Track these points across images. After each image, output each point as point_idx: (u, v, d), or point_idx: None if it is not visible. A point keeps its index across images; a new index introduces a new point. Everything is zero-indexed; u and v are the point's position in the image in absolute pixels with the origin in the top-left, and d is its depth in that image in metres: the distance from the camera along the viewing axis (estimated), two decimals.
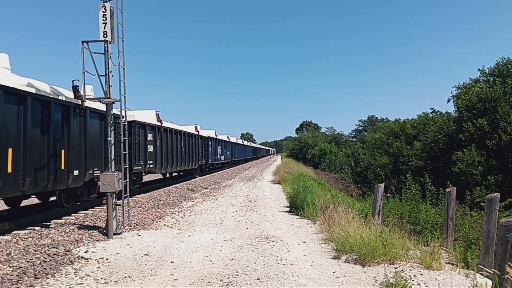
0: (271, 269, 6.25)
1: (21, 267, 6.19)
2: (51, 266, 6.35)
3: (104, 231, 8.91)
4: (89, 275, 5.95)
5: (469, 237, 9.45)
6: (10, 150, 8.23)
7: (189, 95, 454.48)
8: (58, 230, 8.85)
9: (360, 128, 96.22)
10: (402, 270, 6.10)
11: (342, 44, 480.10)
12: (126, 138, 9.64)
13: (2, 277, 5.70)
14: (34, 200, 14.56)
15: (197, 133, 27.16)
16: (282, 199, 16.12)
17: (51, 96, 9.80)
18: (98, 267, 6.38)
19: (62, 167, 10.19)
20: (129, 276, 5.91)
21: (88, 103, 11.30)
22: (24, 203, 12.58)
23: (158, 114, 18.72)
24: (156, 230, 9.63)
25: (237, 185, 23.03)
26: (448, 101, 27.48)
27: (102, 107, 11.43)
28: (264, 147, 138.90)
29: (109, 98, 8.96)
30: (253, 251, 7.43)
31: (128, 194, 9.62)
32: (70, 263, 6.62)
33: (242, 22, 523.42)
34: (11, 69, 9.17)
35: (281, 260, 6.79)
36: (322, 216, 9.69)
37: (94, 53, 8.82)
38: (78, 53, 8.71)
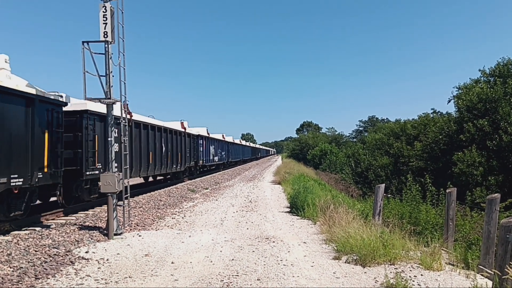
0: (271, 269, 6.25)
1: (22, 267, 6.20)
2: (51, 267, 6.35)
3: (105, 231, 8.92)
4: (89, 276, 5.95)
5: (470, 237, 9.45)
6: None
7: (188, 95, 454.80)
8: (58, 231, 8.86)
9: (360, 128, 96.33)
10: (402, 270, 6.10)
11: (342, 44, 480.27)
12: (127, 138, 9.64)
13: (2, 278, 5.71)
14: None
15: (183, 130, 23.02)
16: (283, 199, 16.12)
17: None
18: (98, 268, 6.39)
19: None
20: (129, 277, 5.92)
21: None
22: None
23: (127, 104, 14.70)
24: (156, 230, 9.63)
25: (237, 185, 23.03)
26: (449, 101, 27.49)
27: (22, 86, 8.86)
28: (264, 147, 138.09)
29: (109, 98, 8.97)
30: (253, 251, 7.43)
31: (128, 194, 9.63)
32: (70, 263, 6.62)
33: (242, 22, 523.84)
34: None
35: (281, 260, 6.79)
36: (323, 217, 9.69)
37: (95, 53, 8.83)
38: (79, 53, 8.70)
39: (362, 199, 19.64)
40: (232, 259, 6.85)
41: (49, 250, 7.24)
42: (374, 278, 5.79)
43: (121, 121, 9.44)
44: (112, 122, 9.28)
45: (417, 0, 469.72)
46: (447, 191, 8.10)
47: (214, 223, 10.50)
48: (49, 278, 5.85)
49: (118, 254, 7.29)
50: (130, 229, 9.62)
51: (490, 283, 5.47)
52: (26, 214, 9.48)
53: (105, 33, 8.68)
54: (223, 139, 39.40)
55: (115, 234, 8.74)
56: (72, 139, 11.48)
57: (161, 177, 22.86)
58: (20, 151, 8.73)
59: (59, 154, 10.34)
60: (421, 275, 5.93)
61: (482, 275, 5.94)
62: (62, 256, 6.96)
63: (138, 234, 9.14)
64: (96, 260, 6.82)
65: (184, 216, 11.83)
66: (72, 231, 8.93)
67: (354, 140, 79.82)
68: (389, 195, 13.83)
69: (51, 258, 6.78)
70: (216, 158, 34.48)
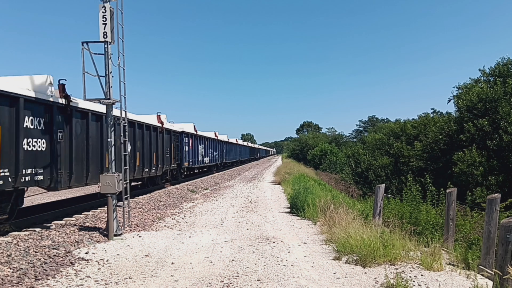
0: (271, 270, 6.24)
1: (22, 268, 6.19)
2: (51, 268, 6.34)
3: (105, 232, 8.91)
4: (89, 277, 5.94)
5: (470, 237, 9.44)
6: None
7: (188, 95, 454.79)
8: (58, 231, 8.84)
9: (360, 128, 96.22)
10: (402, 271, 6.09)
11: (342, 44, 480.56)
12: (127, 139, 9.63)
13: (2, 279, 5.70)
14: (34, 201, 14.58)
15: (160, 125, 18.21)
16: (283, 200, 16.12)
17: None
18: (98, 268, 6.38)
19: None
20: (129, 277, 5.91)
21: None
22: (24, 204, 12.56)
23: (63, 84, 10.24)
24: (156, 231, 9.63)
25: (237, 185, 23.02)
26: (449, 101, 27.53)
27: None
28: (263, 147, 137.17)
29: (109, 99, 8.96)
30: (253, 252, 7.42)
31: (128, 195, 9.62)
32: (70, 264, 6.61)
33: (241, 22, 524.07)
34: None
35: (281, 261, 6.79)
36: (323, 217, 9.68)
37: (94, 54, 8.82)
38: (78, 53, 8.63)
39: (362, 199, 19.63)
40: (232, 260, 6.84)
41: (49, 251, 7.23)
42: (375, 278, 5.78)
43: (121, 121, 9.41)
44: (112, 122, 9.25)
45: (418, 0, 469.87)
46: (447, 191, 8.09)
47: (214, 224, 10.49)
48: (49, 279, 5.84)
49: (118, 255, 7.29)
50: (130, 230, 9.61)
51: (490, 283, 5.47)
52: None
53: (105, 33, 8.67)
54: (216, 138, 35.06)
55: (115, 235, 8.73)
56: None
57: (134, 183, 17.72)
58: None
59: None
60: (422, 275, 5.92)
61: (482, 275, 5.93)
62: (62, 257, 6.95)
63: (138, 234, 9.13)
64: (96, 261, 6.82)
65: (184, 216, 11.82)
66: (72, 232, 8.92)
67: (354, 140, 79.83)
68: (389, 195, 13.81)
69: (51, 259, 6.77)
70: (206, 159, 30.16)
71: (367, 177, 31.31)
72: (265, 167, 49.46)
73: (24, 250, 7.15)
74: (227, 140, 42.63)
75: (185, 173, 25.13)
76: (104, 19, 8.65)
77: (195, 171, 28.63)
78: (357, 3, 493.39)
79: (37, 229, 9.06)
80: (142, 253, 7.40)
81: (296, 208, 12.17)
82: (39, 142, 9.16)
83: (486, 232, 6.16)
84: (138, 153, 15.16)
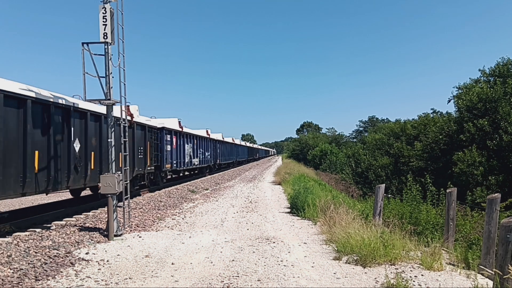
0: (271, 270, 6.25)
1: (22, 269, 6.19)
2: (51, 268, 6.35)
3: (105, 232, 8.91)
4: (89, 277, 5.94)
5: (470, 237, 9.43)
6: None
7: (188, 95, 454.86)
8: (58, 232, 8.85)
9: (360, 128, 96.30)
10: (403, 271, 6.09)
11: (342, 44, 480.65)
12: (127, 139, 9.63)
13: (2, 279, 5.70)
14: (34, 202, 14.59)
15: (129, 118, 13.22)
16: (283, 200, 16.12)
17: None
18: (98, 269, 6.38)
19: None
20: (129, 278, 5.91)
21: None
22: (25, 204, 12.59)
23: None
24: (156, 231, 9.63)
25: (237, 186, 23.03)
26: (449, 101, 27.57)
27: None
28: (263, 147, 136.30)
29: (109, 99, 8.96)
30: (253, 252, 7.43)
31: (128, 195, 9.62)
32: (70, 264, 6.62)
33: (241, 22, 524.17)
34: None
35: (281, 261, 6.79)
36: (323, 217, 9.68)
37: (95, 54, 8.83)
38: (79, 53, 8.62)
39: (362, 199, 19.61)
40: (233, 260, 6.84)
41: (49, 252, 7.23)
42: (375, 278, 5.78)
43: (121, 122, 9.42)
44: (112, 123, 9.24)
45: (418, 0, 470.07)
46: (448, 191, 8.10)
47: (214, 224, 10.49)
48: (49, 280, 5.84)
49: (118, 255, 7.29)
50: (130, 230, 9.62)
51: (490, 283, 5.47)
52: None
53: (105, 34, 8.68)
54: (208, 136, 31.22)
55: (115, 235, 8.73)
56: None
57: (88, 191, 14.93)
58: None
59: None
60: (422, 275, 5.92)
61: (482, 275, 5.94)
62: (62, 258, 6.95)
63: (138, 235, 9.14)
64: (96, 261, 6.82)
65: (185, 217, 11.82)
66: (72, 232, 8.92)
67: (354, 140, 79.86)
68: (389, 195, 13.80)
69: (51, 260, 6.78)
70: (195, 161, 26.26)
71: (367, 177, 31.33)
72: (265, 168, 49.47)
73: (24, 251, 7.15)
74: (222, 139, 38.44)
75: (169, 176, 21.68)
76: (104, 20, 8.65)
77: (181, 174, 25.03)
78: (357, 3, 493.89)
79: (37, 230, 9.07)
80: (143, 253, 7.40)
81: (296, 208, 12.18)
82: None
83: (486, 232, 6.16)
84: (92, 153, 11.60)
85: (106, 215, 9.30)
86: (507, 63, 24.00)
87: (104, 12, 8.64)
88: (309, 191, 13.54)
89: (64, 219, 10.70)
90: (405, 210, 10.83)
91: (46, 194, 10.84)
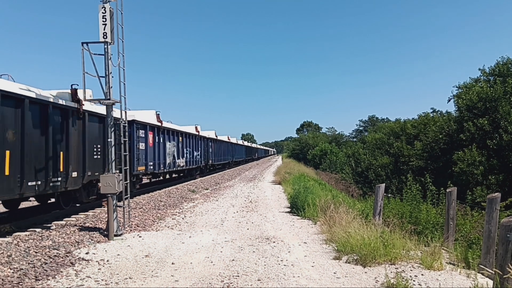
0: (272, 270, 6.25)
1: (22, 269, 6.19)
2: (51, 268, 6.35)
3: (105, 232, 8.91)
4: (89, 277, 5.94)
5: (470, 237, 9.42)
6: None
7: (188, 95, 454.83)
8: (59, 232, 8.85)
9: (360, 128, 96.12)
10: (403, 270, 6.09)
11: (342, 44, 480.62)
12: (126, 139, 9.63)
13: (3, 279, 5.71)
14: (35, 202, 14.57)
15: (75, 105, 10.80)
16: (283, 199, 16.12)
17: None
18: (98, 269, 6.38)
19: None
20: (130, 278, 5.91)
21: None
22: (25, 204, 12.57)
23: None
24: (156, 231, 9.63)
25: (237, 185, 23.03)
26: (449, 100, 27.57)
27: None
28: (263, 147, 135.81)
29: (109, 99, 8.96)
30: (254, 252, 7.43)
31: (128, 195, 9.62)
32: (70, 264, 6.62)
33: (241, 22, 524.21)
34: None
35: (282, 261, 6.79)
36: (323, 217, 9.68)
37: (94, 54, 8.83)
38: (78, 53, 8.61)
39: (362, 198, 19.60)
40: (233, 260, 6.84)
41: (49, 251, 7.23)
42: (375, 278, 5.78)
43: (120, 122, 9.41)
44: (111, 123, 9.24)
45: (417, 0, 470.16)
46: (448, 190, 8.09)
47: (214, 224, 10.49)
48: (49, 280, 5.84)
49: (118, 255, 7.29)
50: (130, 230, 9.62)
51: (490, 282, 5.46)
52: None
53: (105, 34, 8.68)
54: (197, 133, 26.99)
55: (115, 235, 8.73)
56: None
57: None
58: None
59: None
60: (422, 274, 5.92)
61: (482, 274, 5.93)
62: (62, 257, 6.95)
63: (138, 235, 9.14)
64: (97, 261, 6.82)
65: (185, 216, 11.82)
66: (72, 232, 8.92)
67: (354, 139, 79.78)
68: (389, 195, 13.79)
69: (51, 260, 6.78)
70: (181, 161, 22.23)
71: (367, 176, 31.32)
72: (265, 167, 49.49)
73: (24, 251, 7.15)
74: (215, 137, 33.98)
75: (146, 181, 18.17)
76: (104, 20, 8.65)
77: (161, 177, 21.31)
78: (357, 3, 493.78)
79: (38, 230, 9.07)
80: (143, 253, 7.40)
81: (296, 207, 12.17)
82: None
83: (486, 232, 6.16)
84: (7, 152, 8.25)
85: (106, 215, 9.30)
86: (507, 63, 23.98)
87: (104, 11, 8.64)
88: (309, 190, 13.54)
89: (64, 219, 10.71)
90: (405, 210, 10.82)
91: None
